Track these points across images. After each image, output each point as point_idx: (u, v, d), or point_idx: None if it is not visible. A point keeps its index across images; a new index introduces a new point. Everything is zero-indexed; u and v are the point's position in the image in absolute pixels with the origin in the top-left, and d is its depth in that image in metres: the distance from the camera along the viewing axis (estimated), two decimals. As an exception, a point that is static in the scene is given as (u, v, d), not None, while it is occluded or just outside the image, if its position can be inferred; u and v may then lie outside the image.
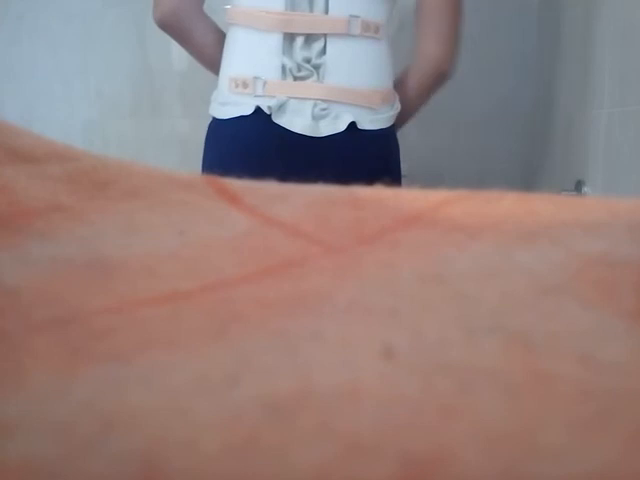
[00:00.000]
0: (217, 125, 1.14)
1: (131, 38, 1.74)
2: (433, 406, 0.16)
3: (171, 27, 1.15)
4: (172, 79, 1.74)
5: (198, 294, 0.24)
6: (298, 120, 1.08)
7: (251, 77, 1.09)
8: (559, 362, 0.18)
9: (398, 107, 1.17)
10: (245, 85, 1.09)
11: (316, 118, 1.09)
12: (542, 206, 0.32)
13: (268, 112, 1.08)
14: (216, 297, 0.23)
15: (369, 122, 1.11)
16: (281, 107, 1.08)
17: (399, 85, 1.20)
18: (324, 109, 1.09)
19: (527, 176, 1.61)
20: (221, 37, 1.18)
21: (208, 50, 1.19)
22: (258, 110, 1.08)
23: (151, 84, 1.75)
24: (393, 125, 1.17)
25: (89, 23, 1.75)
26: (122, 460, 0.15)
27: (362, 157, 1.12)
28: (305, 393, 0.17)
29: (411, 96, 1.21)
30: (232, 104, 1.11)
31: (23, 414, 0.16)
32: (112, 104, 1.78)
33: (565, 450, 0.15)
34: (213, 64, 1.20)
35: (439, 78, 1.18)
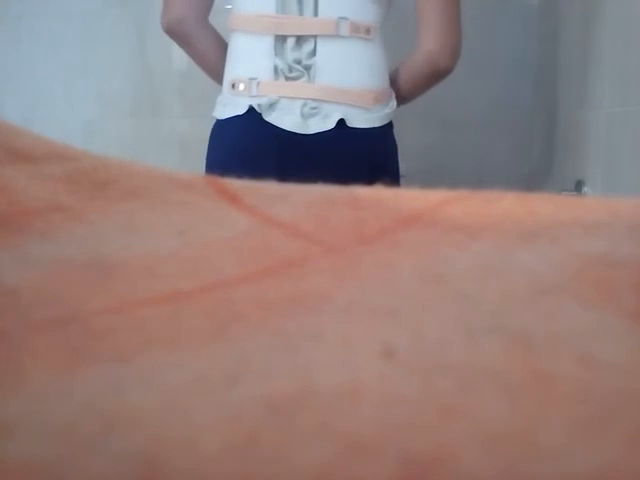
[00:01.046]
0: (217, 125, 1.19)
1: (131, 38, 1.74)
2: (433, 406, 0.16)
3: (176, 34, 1.22)
4: (172, 79, 1.74)
5: (198, 294, 0.24)
6: (288, 118, 1.12)
7: (247, 78, 1.14)
8: (559, 362, 0.18)
9: (393, 106, 1.18)
10: (242, 86, 1.15)
11: (305, 116, 1.13)
12: (542, 206, 0.32)
13: (259, 110, 1.12)
14: (216, 297, 0.23)
15: (361, 121, 1.14)
16: (271, 105, 1.12)
17: (393, 76, 1.21)
18: (314, 108, 1.13)
19: (527, 176, 1.61)
20: (222, 46, 1.24)
21: (209, 57, 1.25)
22: (251, 109, 1.13)
23: (151, 84, 1.75)
24: (389, 124, 1.18)
25: (89, 23, 1.75)
26: (122, 460, 0.15)
27: (353, 155, 1.14)
28: (305, 393, 0.17)
29: (403, 89, 1.21)
30: (230, 105, 1.16)
31: (23, 414, 0.16)
32: (112, 104, 1.78)
33: (565, 450, 0.15)
34: (213, 71, 1.26)
35: (434, 74, 1.17)
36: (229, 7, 1.19)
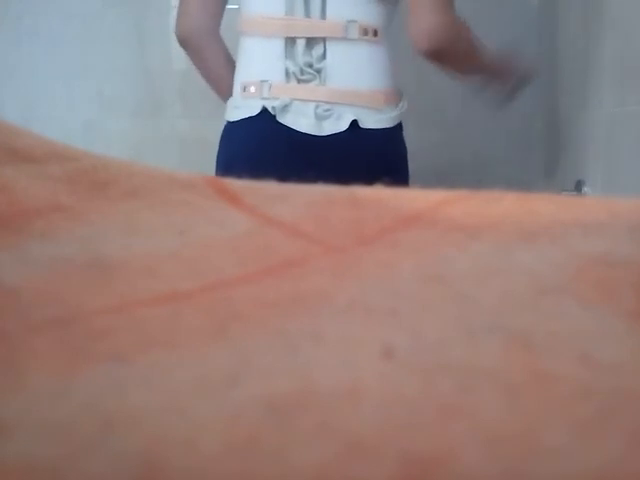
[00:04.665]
0: (229, 127, 1.20)
1: (131, 38, 1.74)
2: (433, 406, 0.16)
3: (190, 45, 1.24)
4: (172, 79, 1.73)
5: (198, 294, 0.24)
6: (302, 120, 1.13)
7: (258, 81, 1.15)
8: (559, 362, 0.18)
9: (403, 107, 1.18)
10: (253, 89, 1.16)
11: (319, 118, 1.13)
12: (542, 206, 0.32)
13: (273, 112, 1.13)
14: (216, 297, 0.23)
15: (372, 121, 1.14)
16: (285, 107, 1.13)
17: None
18: (327, 110, 1.13)
19: (527, 176, 1.61)
20: (230, 63, 1.25)
21: (217, 72, 1.26)
22: (264, 110, 1.13)
23: (151, 84, 1.75)
24: (399, 125, 1.18)
25: (89, 23, 1.75)
26: (122, 460, 0.15)
27: (365, 155, 1.14)
28: (305, 393, 0.17)
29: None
30: (242, 107, 1.17)
31: (23, 414, 0.16)
32: (112, 104, 1.77)
33: (565, 450, 0.15)
34: (218, 85, 1.27)
35: (425, 58, 1.10)
36: (233, 7, 1.19)
